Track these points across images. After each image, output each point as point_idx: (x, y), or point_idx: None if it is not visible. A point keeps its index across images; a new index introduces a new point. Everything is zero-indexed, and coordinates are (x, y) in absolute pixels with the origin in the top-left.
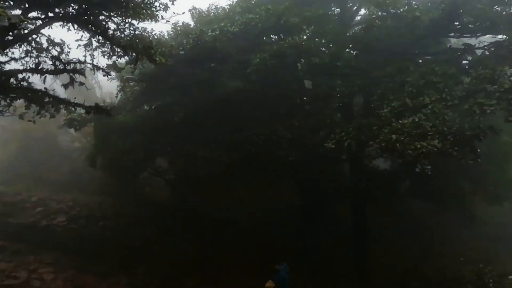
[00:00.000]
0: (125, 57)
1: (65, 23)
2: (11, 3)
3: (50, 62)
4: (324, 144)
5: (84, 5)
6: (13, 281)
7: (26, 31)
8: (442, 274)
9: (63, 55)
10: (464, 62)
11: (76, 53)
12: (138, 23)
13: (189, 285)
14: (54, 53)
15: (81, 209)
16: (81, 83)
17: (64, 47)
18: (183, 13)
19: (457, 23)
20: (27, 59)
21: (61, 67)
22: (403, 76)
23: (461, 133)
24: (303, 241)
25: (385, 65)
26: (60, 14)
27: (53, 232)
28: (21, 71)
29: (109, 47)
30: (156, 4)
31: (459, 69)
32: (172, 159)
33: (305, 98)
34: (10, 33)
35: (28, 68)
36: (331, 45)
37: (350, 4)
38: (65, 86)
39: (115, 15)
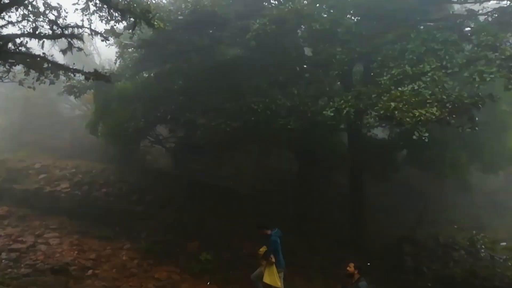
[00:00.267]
0: (123, 21)
1: None
2: None
3: (48, 27)
4: (323, 112)
5: None
6: (20, 245)
7: None
8: (436, 240)
9: (61, 20)
10: (466, 28)
11: (73, 17)
12: None
13: (189, 249)
14: (51, 17)
15: (83, 176)
16: (80, 49)
17: (61, 11)
18: None
19: None
20: (24, 23)
21: (59, 32)
22: (404, 43)
23: (460, 101)
24: (300, 208)
25: (386, 31)
26: None
27: (58, 198)
28: (18, 36)
29: (107, 11)
30: None
31: (461, 36)
32: (172, 127)
33: (304, 66)
34: None
35: (26, 32)
36: (331, 11)
37: None
38: (63, 51)
39: None
